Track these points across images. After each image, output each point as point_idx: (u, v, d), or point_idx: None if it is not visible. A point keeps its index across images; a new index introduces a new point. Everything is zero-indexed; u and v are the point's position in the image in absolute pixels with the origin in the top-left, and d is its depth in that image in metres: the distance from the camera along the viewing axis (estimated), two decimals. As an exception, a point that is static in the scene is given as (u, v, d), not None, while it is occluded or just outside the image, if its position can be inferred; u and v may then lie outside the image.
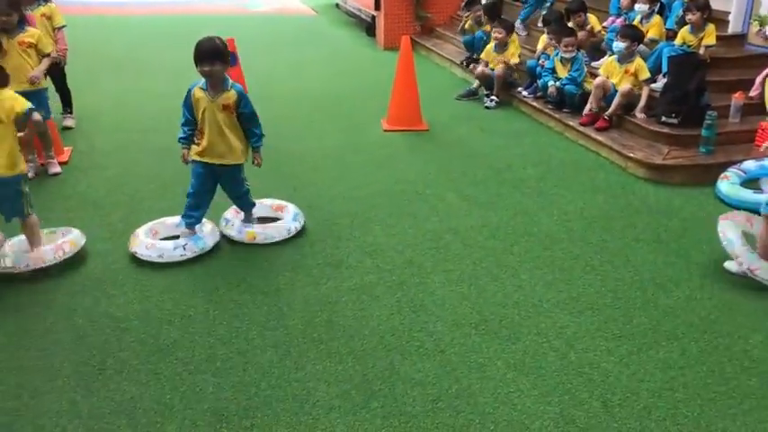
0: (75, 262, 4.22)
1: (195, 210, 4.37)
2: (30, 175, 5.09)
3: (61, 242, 4.23)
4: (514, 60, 7.80)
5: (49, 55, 5.61)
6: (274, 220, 4.75)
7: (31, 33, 5.47)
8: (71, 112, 6.92)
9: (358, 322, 3.66)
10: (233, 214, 4.68)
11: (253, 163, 4.39)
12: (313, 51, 10.61)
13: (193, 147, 4.29)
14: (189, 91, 4.21)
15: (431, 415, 2.98)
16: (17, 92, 4.23)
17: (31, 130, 4.23)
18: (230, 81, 4.21)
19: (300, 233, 4.62)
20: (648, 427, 2.89)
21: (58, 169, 5.66)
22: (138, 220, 4.66)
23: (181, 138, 4.27)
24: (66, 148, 6.16)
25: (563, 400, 3.05)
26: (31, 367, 3.28)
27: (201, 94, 4.17)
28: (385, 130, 6.90)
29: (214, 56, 4.05)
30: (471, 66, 8.60)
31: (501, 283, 4.04)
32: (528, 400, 3.06)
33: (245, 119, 4.27)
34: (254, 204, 4.65)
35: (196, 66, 4.06)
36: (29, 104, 4.07)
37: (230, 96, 4.17)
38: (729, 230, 4.11)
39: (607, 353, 3.38)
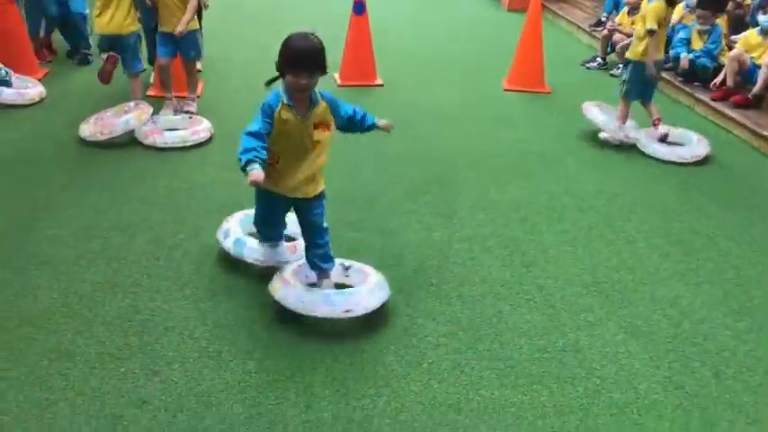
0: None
1: (272, 236, 3.55)
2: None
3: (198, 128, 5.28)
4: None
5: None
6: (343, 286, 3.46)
7: None
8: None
9: (468, 270, 3.72)
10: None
11: (381, 127, 3.45)
12: (434, 9, 10.56)
13: (256, 169, 2.95)
14: (269, 106, 3.06)
15: (536, 363, 3.02)
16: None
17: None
18: (318, 90, 3.16)
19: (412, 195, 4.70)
20: (763, 401, 2.82)
21: (194, 110, 5.91)
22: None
23: (250, 153, 2.96)
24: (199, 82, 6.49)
25: (673, 366, 3.02)
26: (163, 275, 3.54)
27: (289, 114, 3.06)
28: (505, 90, 6.85)
29: (315, 63, 3.00)
30: (602, 28, 8.33)
31: (616, 248, 3.98)
32: (637, 361, 3.04)
33: (345, 123, 3.31)
34: (332, 261, 3.36)
35: (284, 71, 2.99)
36: None
37: (323, 109, 3.15)
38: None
39: (723, 327, 3.30)
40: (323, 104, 3.15)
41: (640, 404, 2.79)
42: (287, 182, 3.19)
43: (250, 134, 3.01)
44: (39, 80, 6.32)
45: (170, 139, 5.15)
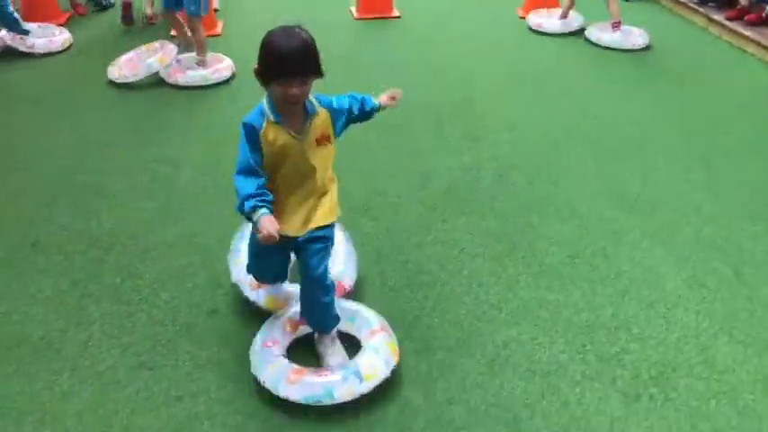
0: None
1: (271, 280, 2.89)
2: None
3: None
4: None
5: None
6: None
7: None
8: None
9: (498, 188, 3.92)
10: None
11: (385, 105, 2.74)
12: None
13: (265, 215, 2.34)
14: (252, 128, 2.36)
15: (568, 267, 3.25)
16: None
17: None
18: (313, 94, 2.44)
19: (436, 114, 4.87)
20: (780, 292, 3.06)
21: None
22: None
23: (252, 200, 2.33)
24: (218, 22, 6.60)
25: (696, 267, 3.25)
26: (212, 202, 3.77)
27: (279, 132, 2.37)
28: (520, 18, 6.93)
29: (308, 66, 2.30)
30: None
31: (638, 164, 4.17)
32: (662, 264, 3.27)
33: (345, 125, 2.59)
34: (338, 320, 2.71)
35: (268, 80, 2.30)
36: None
37: (324, 119, 2.47)
38: None
39: (741, 230, 3.52)
40: (322, 113, 2.46)
41: (667, 300, 3.03)
42: (287, 219, 2.50)
43: (241, 173, 2.35)
44: (62, 25, 6.46)
45: (192, 78, 5.29)
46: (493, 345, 2.80)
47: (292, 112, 2.39)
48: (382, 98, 2.71)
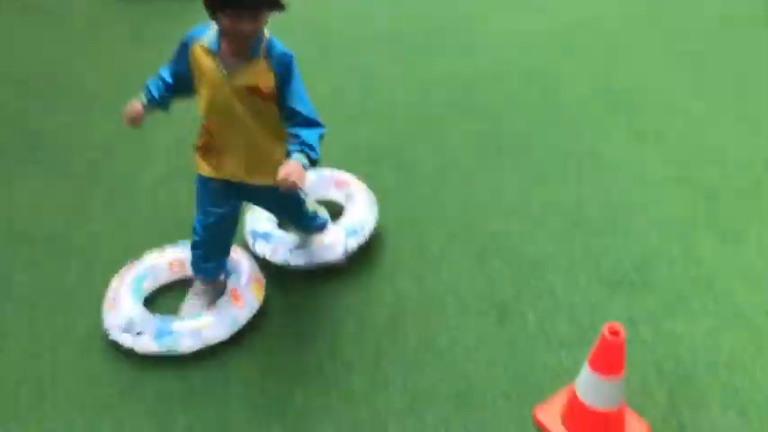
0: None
1: (206, 261, 2.50)
2: None
3: None
4: None
5: None
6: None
7: None
8: None
9: (493, 95, 3.97)
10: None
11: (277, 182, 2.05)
12: None
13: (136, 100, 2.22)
14: (184, 44, 2.15)
15: (558, 165, 3.34)
16: None
17: None
18: (266, 38, 2.11)
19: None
20: (759, 191, 3.16)
21: None
22: None
23: (146, 88, 2.25)
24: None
25: (681, 164, 3.34)
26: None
27: (208, 61, 2.12)
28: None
29: None
30: None
31: (630, 68, 4.21)
32: (649, 161, 3.36)
33: (288, 107, 2.15)
34: (325, 225, 2.71)
35: (213, 9, 2.01)
36: None
37: (263, 69, 2.10)
38: None
39: (728, 131, 3.59)
40: (264, 62, 2.09)
41: (651, 195, 3.13)
42: (225, 162, 2.29)
43: (159, 70, 2.26)
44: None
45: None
46: (483, 238, 2.91)
47: (233, 46, 2.09)
48: (282, 170, 2.01)
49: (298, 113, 2.13)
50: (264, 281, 2.60)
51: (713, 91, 3.93)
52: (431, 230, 2.95)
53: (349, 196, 2.92)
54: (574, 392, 2.11)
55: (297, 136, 2.11)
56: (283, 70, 2.11)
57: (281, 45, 2.12)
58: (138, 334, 2.35)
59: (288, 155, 2.09)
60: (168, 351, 2.34)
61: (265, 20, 2.03)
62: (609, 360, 2.01)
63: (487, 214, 3.04)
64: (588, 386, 2.06)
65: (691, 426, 2.18)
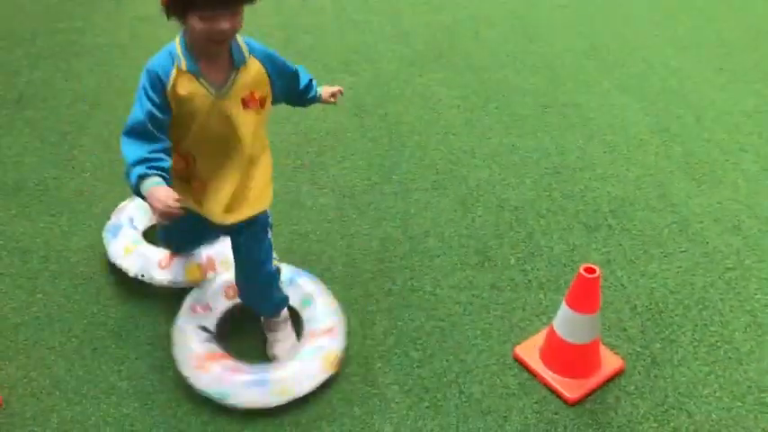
0: None
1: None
2: None
3: None
4: None
5: None
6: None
7: None
8: None
9: (475, 45, 4.00)
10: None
11: (324, 100, 2.21)
12: None
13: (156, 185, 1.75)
14: (157, 76, 1.78)
15: (540, 116, 3.41)
16: None
17: None
18: (243, 39, 1.89)
19: None
20: (735, 138, 3.25)
21: None
22: None
23: (141, 165, 1.75)
24: None
25: (660, 113, 3.42)
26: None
27: (192, 86, 1.81)
28: None
29: None
30: None
31: (610, 19, 4.25)
32: (628, 112, 3.44)
33: (290, 94, 2.09)
34: (285, 302, 2.30)
35: (185, 12, 1.73)
36: None
37: (256, 72, 1.90)
38: None
39: (706, 81, 3.67)
40: (254, 66, 1.89)
41: (630, 143, 3.22)
42: (211, 199, 1.98)
43: (132, 134, 1.79)
44: None
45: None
46: (466, 185, 2.99)
47: (215, 59, 1.82)
48: (324, 91, 2.18)
49: (298, 75, 2.09)
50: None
51: (694, 44, 4.00)
52: (415, 179, 3.02)
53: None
54: (552, 329, 2.22)
55: (306, 78, 2.12)
56: (274, 66, 1.95)
57: (257, 43, 1.94)
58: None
59: (315, 95, 2.15)
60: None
61: (242, 15, 1.77)
62: (584, 297, 2.11)
63: (470, 163, 3.11)
64: (565, 322, 2.16)
65: (662, 359, 2.29)
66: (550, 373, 2.22)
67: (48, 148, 3.16)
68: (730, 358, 2.31)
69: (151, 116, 1.77)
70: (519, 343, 2.33)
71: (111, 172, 3.02)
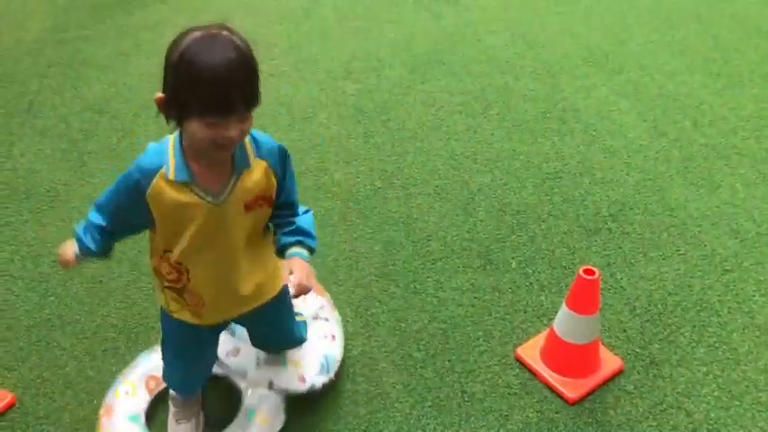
0: None
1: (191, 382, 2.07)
2: None
3: None
4: None
5: None
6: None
7: None
8: None
9: (475, 51, 4.06)
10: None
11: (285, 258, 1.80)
12: None
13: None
14: (135, 181, 1.60)
15: (540, 122, 3.46)
16: None
17: None
18: (251, 134, 1.63)
19: None
20: (732, 142, 3.30)
21: None
22: None
23: (81, 225, 1.78)
24: None
25: (657, 118, 3.47)
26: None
27: (182, 196, 1.59)
28: None
29: (252, 91, 1.49)
30: None
31: (608, 26, 4.30)
32: (626, 116, 3.49)
33: (285, 201, 1.78)
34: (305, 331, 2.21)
35: (184, 115, 1.50)
36: None
37: (261, 175, 1.65)
38: None
39: (703, 86, 3.72)
40: (259, 167, 1.65)
41: (629, 148, 3.27)
42: (210, 307, 1.78)
43: (96, 206, 1.73)
44: None
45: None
46: (468, 190, 3.04)
47: (213, 164, 1.59)
48: (292, 263, 1.72)
49: (293, 203, 1.79)
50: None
51: (690, 49, 4.05)
52: (418, 184, 3.08)
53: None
54: (552, 330, 2.27)
55: (291, 223, 1.77)
56: (282, 165, 1.70)
57: (266, 137, 1.68)
58: None
59: (282, 248, 1.76)
60: None
61: (252, 119, 1.52)
62: (584, 299, 2.16)
63: (472, 168, 3.17)
64: (565, 323, 2.21)
65: (661, 359, 2.34)
66: (551, 372, 2.27)
67: (58, 155, 3.22)
68: (728, 358, 2.35)
69: (111, 205, 1.69)
70: (520, 344, 2.38)
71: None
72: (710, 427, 2.15)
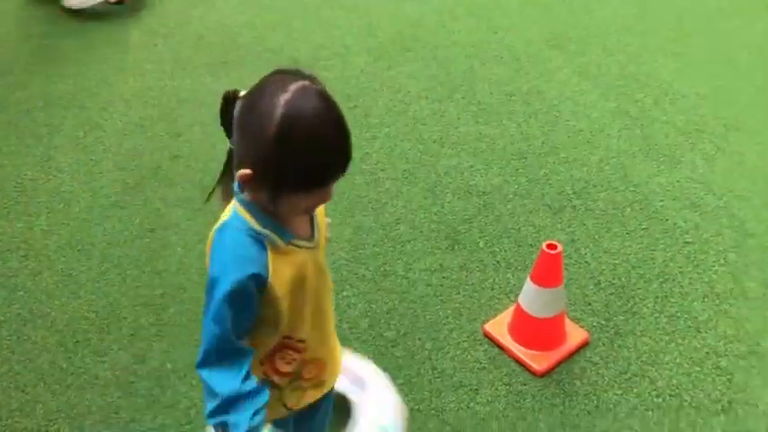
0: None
1: None
2: None
3: None
4: None
5: None
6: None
7: None
8: None
9: (440, 37, 4.09)
10: None
11: None
12: None
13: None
14: (245, 279, 1.26)
15: (505, 105, 3.51)
16: None
17: None
18: None
19: None
20: (692, 119, 3.38)
21: None
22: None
23: (240, 410, 1.30)
24: None
25: (620, 98, 3.54)
26: (165, 59, 3.88)
27: (294, 255, 1.34)
28: None
29: (350, 154, 1.28)
30: None
31: (571, 8, 4.36)
32: (589, 96, 3.55)
33: None
34: None
35: (285, 188, 1.25)
36: None
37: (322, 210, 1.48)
38: None
39: (664, 66, 3.79)
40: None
41: (592, 127, 3.34)
42: (329, 363, 1.58)
43: (219, 356, 1.31)
44: None
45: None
46: (435, 173, 3.08)
47: (301, 218, 1.40)
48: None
49: None
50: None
51: (650, 30, 4.12)
52: (386, 168, 3.11)
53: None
54: (519, 305, 2.32)
55: None
56: None
57: None
58: None
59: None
60: None
61: None
62: (548, 272, 2.21)
63: (439, 151, 3.21)
64: (530, 297, 2.27)
65: (625, 330, 2.41)
66: (518, 347, 2.33)
67: (23, 150, 3.20)
68: (689, 327, 2.43)
69: (236, 327, 1.30)
70: (488, 320, 2.43)
71: (88, 171, 3.07)
72: (673, 393, 2.22)
